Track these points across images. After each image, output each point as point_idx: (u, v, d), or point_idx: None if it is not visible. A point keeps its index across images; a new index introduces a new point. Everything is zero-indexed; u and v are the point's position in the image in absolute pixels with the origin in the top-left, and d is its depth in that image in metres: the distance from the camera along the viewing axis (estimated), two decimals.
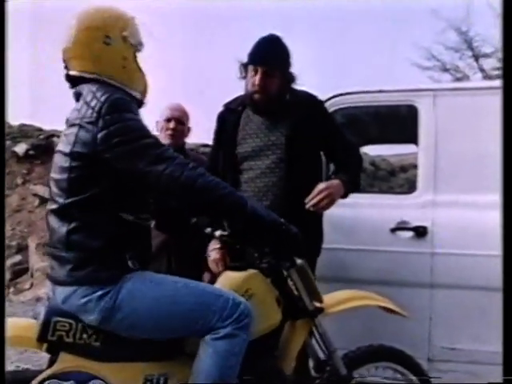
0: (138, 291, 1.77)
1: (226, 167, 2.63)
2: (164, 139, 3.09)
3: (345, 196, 2.53)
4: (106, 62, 1.87)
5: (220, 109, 2.75)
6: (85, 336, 1.76)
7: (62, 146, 1.83)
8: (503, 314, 1.83)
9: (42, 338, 1.74)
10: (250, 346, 1.83)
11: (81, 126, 1.76)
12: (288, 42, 2.59)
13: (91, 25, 1.88)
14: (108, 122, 1.73)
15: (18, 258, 7.48)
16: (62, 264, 1.77)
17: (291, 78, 2.58)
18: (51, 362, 1.78)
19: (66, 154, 1.79)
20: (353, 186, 2.57)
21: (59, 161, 1.83)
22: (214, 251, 2.48)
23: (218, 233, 2.12)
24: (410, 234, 2.90)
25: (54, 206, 1.82)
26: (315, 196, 2.38)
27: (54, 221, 1.81)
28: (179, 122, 3.11)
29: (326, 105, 3.11)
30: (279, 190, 2.52)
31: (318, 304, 2.13)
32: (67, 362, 1.76)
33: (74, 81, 1.91)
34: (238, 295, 1.86)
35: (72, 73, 1.89)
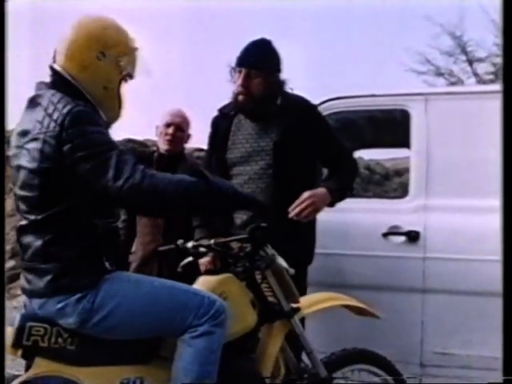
0: (116, 291, 1.78)
1: (218, 172, 2.60)
2: (162, 145, 3.09)
3: (331, 204, 2.52)
4: (89, 75, 1.83)
5: (214, 113, 2.75)
6: (60, 340, 1.75)
7: (26, 161, 1.76)
8: (503, 314, 1.83)
9: (16, 343, 1.72)
10: (226, 348, 1.85)
11: (45, 141, 1.72)
12: (283, 44, 2.59)
13: (94, 33, 1.84)
14: (71, 135, 1.70)
15: (11, 263, 7.43)
16: (40, 276, 1.76)
17: (279, 82, 2.56)
18: (27, 368, 1.77)
19: (32, 171, 1.75)
20: (341, 193, 2.56)
21: (25, 177, 1.77)
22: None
23: (189, 244, 2.14)
24: (402, 238, 2.90)
25: (24, 223, 1.80)
26: (298, 205, 2.38)
27: (26, 236, 1.79)
28: (179, 129, 3.08)
29: (319, 109, 3.12)
30: (267, 197, 2.48)
31: (294, 305, 2.15)
32: (42, 366, 1.75)
33: (54, 74, 1.87)
34: (213, 294, 1.90)
35: (55, 66, 1.86)
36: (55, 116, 1.73)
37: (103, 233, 1.80)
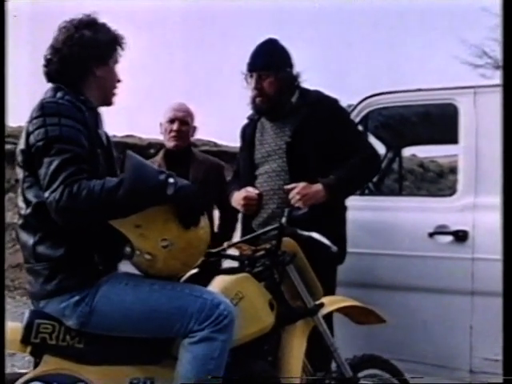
0: (114, 294, 1.75)
1: (244, 173, 2.70)
2: (168, 141, 3.00)
3: (330, 199, 2.43)
4: None
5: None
6: (68, 338, 1.74)
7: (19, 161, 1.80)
8: (503, 314, 1.76)
9: (25, 340, 1.72)
10: (242, 351, 1.82)
11: (23, 137, 1.75)
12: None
13: None
14: (33, 126, 1.71)
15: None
16: (36, 277, 1.76)
17: (292, 77, 2.58)
18: (36, 365, 1.76)
19: (18, 166, 1.79)
20: (343, 188, 2.51)
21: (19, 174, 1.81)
22: None
23: None
24: (450, 238, 2.77)
25: (20, 222, 1.79)
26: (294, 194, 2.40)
27: (22, 235, 1.79)
28: (183, 123, 2.98)
29: (362, 105, 3.05)
30: (285, 193, 2.46)
31: (317, 302, 2.11)
32: (50, 364, 1.74)
33: None
34: (219, 296, 1.82)
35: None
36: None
37: (93, 231, 1.73)
